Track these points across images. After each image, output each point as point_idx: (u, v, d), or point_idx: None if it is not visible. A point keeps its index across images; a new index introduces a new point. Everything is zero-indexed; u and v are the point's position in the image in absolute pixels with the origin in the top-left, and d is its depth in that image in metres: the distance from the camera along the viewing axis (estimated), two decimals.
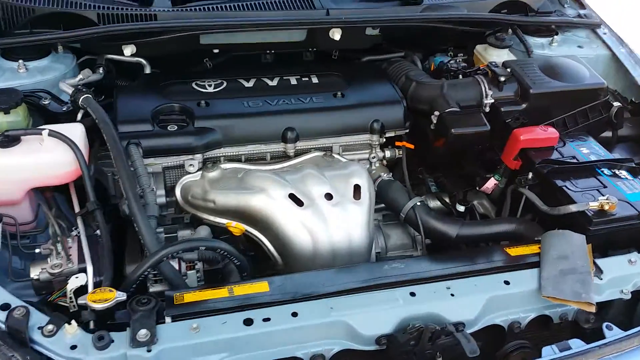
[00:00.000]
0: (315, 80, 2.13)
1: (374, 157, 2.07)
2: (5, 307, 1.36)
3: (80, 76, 2.01)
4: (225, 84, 2.06)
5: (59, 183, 1.75)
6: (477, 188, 2.10)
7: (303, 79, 2.13)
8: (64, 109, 1.89)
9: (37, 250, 1.70)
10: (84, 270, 1.61)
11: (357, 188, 1.81)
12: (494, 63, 2.18)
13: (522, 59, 2.35)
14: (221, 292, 1.48)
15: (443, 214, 2.03)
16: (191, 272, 1.71)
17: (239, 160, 1.94)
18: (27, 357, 1.26)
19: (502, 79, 2.09)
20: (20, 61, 2.00)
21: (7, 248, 1.66)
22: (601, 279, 1.58)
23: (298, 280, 1.55)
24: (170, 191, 1.90)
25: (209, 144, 1.88)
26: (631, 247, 1.72)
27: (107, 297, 1.41)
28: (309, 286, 1.51)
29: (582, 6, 2.74)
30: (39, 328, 1.32)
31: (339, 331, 1.42)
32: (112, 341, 1.32)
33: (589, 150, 1.99)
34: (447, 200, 2.16)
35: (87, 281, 1.57)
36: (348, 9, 2.25)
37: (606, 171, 1.89)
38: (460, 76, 2.18)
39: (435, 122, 2.00)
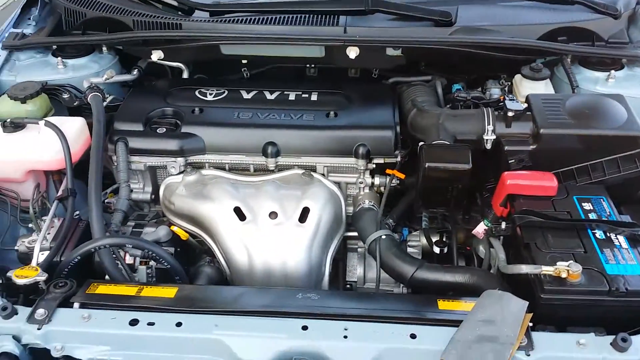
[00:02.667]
0: (314, 97, 2.11)
1: (361, 183, 2.00)
2: None
3: (105, 76, 2.22)
4: (225, 93, 2.13)
5: (53, 168, 1.97)
6: (473, 231, 1.92)
7: (303, 95, 2.12)
8: (75, 103, 2.11)
9: (29, 225, 1.93)
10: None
11: (305, 211, 1.77)
12: (510, 96, 1.97)
13: (550, 94, 2.07)
14: (131, 290, 1.56)
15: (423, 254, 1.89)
16: (142, 268, 1.81)
17: (223, 169, 2.00)
18: None
19: (511, 114, 1.88)
20: (59, 58, 2.27)
21: (8, 218, 1.92)
22: (528, 355, 1.36)
23: (206, 292, 1.57)
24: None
25: (191, 149, 1.97)
26: (600, 327, 1.45)
27: (28, 275, 1.56)
28: (212, 300, 1.53)
29: None
30: None
31: (216, 350, 1.41)
32: (16, 313, 1.47)
33: (592, 207, 1.70)
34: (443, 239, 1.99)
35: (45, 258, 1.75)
36: (368, 28, 2.19)
37: (599, 234, 1.61)
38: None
39: (418, 153, 1.87)
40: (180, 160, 1.97)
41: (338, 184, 1.99)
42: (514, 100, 1.94)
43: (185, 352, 1.42)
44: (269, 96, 2.12)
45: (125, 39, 2.23)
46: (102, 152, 1.89)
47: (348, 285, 1.94)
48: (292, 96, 2.12)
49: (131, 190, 1.96)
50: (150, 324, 1.44)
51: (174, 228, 1.80)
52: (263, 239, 1.73)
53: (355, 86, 2.20)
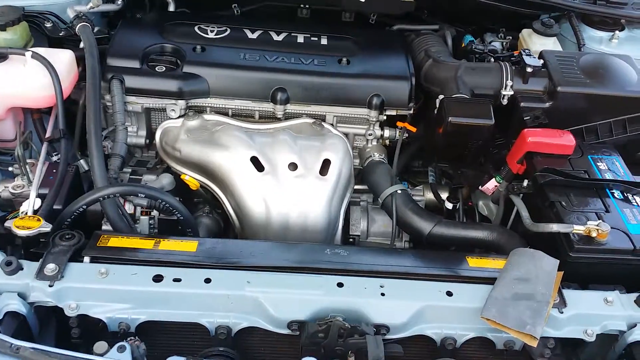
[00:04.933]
0: (324, 41, 2.00)
1: (370, 135, 1.93)
2: None
3: (90, 4, 2.00)
4: (228, 31, 1.98)
5: (38, 106, 1.78)
6: (480, 187, 1.91)
7: (312, 38, 2.00)
8: (61, 34, 1.90)
9: (9, 169, 1.74)
10: (43, 196, 1.63)
11: (326, 163, 1.70)
12: (527, 51, 1.94)
13: (564, 51, 2.07)
14: (147, 243, 1.45)
15: (427, 209, 1.86)
16: (144, 218, 1.69)
17: (225, 114, 1.87)
18: None
19: (529, 70, 1.85)
20: None
21: None
22: (562, 312, 1.38)
23: (229, 246, 1.48)
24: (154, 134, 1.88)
25: (193, 91, 1.83)
26: (619, 285, 1.49)
27: (31, 226, 1.42)
28: (237, 255, 1.44)
29: None
30: None
31: (249, 307, 1.34)
32: (22, 269, 1.33)
33: (607, 167, 1.73)
34: (447, 194, 1.97)
35: (40, 206, 1.59)
36: None
37: (617, 194, 1.64)
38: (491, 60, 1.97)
39: (437, 106, 1.82)
40: (182, 102, 1.83)
41: (346, 134, 1.92)
42: (530, 55, 1.90)
43: (216, 310, 1.34)
44: (275, 37, 1.99)
45: None
46: (99, 91, 1.71)
47: (351, 239, 1.90)
48: (300, 39, 1.99)
49: None
50: (177, 280, 1.34)
51: (185, 177, 1.68)
52: (283, 191, 1.65)
53: (362, 31, 2.09)
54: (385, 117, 1.92)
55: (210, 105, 1.86)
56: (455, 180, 2.01)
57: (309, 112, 1.88)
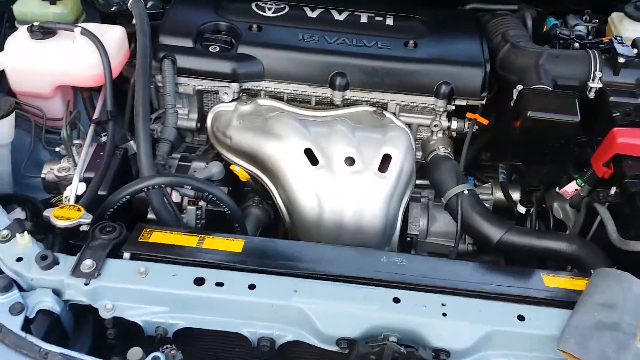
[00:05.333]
0: (389, 21, 1.82)
1: (436, 126, 1.77)
2: None
3: None
4: (287, 9, 1.84)
5: (87, 85, 1.70)
6: (558, 189, 1.71)
7: (376, 18, 1.83)
8: (113, 9, 1.81)
9: (56, 149, 1.68)
10: (88, 180, 1.56)
11: (386, 158, 1.55)
12: (618, 38, 1.71)
13: None
14: (191, 240, 1.35)
15: (495, 209, 1.69)
16: (191, 208, 1.59)
17: (280, 99, 1.75)
18: None
19: (622, 60, 1.63)
20: None
21: (31, 139, 1.67)
22: None
23: (277, 247, 1.36)
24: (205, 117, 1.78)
25: (247, 73, 1.71)
26: None
27: (71, 216, 1.34)
28: (284, 257, 1.32)
29: None
30: None
31: (295, 319, 1.23)
32: (57, 263, 1.25)
33: None
34: (518, 195, 1.79)
35: (84, 191, 1.52)
36: None
37: None
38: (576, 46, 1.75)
39: (515, 98, 1.63)
40: (235, 85, 1.71)
41: (409, 125, 1.76)
42: (623, 43, 1.67)
43: (259, 320, 1.23)
44: (337, 16, 1.83)
45: None
46: (150, 71, 1.61)
47: (408, 239, 1.75)
48: (364, 18, 1.83)
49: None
50: (219, 284, 1.24)
51: (235, 168, 1.57)
52: (337, 188, 1.51)
53: (432, 11, 1.90)
54: (453, 107, 1.74)
55: (264, 89, 1.74)
56: (528, 179, 1.82)
57: (369, 99, 1.73)
